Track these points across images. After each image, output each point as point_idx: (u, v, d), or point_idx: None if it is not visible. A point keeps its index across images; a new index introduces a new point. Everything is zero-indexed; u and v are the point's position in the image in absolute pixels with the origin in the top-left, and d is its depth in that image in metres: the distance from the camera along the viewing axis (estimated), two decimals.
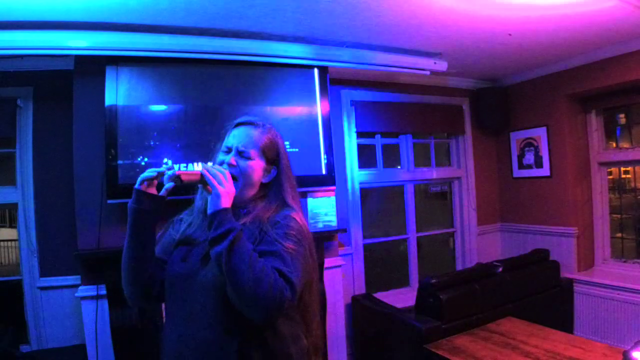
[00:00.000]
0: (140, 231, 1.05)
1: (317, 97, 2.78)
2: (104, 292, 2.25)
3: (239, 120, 1.18)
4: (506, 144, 3.92)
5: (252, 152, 1.11)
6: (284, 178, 1.16)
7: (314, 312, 1.18)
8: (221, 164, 1.12)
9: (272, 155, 1.15)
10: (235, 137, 1.13)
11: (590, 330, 3.16)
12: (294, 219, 1.07)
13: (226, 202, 0.97)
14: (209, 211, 0.96)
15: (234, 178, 1.07)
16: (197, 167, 2.41)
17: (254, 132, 1.14)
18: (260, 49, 2.46)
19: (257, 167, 1.12)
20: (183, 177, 0.97)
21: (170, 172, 0.98)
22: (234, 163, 1.09)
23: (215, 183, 0.97)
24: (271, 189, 1.15)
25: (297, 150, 2.67)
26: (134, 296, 1.11)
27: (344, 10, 2.19)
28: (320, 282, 2.65)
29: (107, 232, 2.29)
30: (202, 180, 0.98)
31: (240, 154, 1.11)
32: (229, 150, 1.13)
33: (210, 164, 1.15)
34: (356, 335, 3.10)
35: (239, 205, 1.10)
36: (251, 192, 1.13)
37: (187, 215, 1.20)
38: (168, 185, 1.01)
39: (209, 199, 0.97)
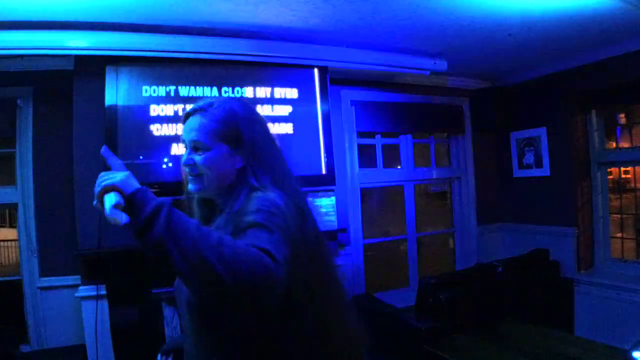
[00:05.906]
0: None
1: (317, 97, 2.78)
2: (104, 292, 2.25)
3: (187, 110, 1.02)
4: (506, 144, 3.92)
5: (206, 143, 0.96)
6: (256, 153, 0.99)
7: (332, 315, 0.99)
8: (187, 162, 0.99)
9: (233, 135, 0.98)
10: (186, 131, 1.00)
11: (590, 330, 3.15)
12: (265, 197, 0.90)
13: (134, 182, 0.74)
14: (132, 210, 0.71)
15: (198, 176, 0.97)
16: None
17: (203, 120, 0.98)
18: (260, 49, 2.46)
19: (218, 156, 0.97)
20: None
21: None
22: (191, 162, 0.97)
23: (104, 185, 0.72)
24: (243, 172, 0.98)
25: (297, 149, 2.67)
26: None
27: (343, 10, 2.19)
28: None
29: (107, 232, 2.27)
30: (99, 197, 0.73)
31: (195, 149, 0.98)
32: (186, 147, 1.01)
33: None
34: None
35: (219, 201, 1.00)
36: (226, 181, 0.98)
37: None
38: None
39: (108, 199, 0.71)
